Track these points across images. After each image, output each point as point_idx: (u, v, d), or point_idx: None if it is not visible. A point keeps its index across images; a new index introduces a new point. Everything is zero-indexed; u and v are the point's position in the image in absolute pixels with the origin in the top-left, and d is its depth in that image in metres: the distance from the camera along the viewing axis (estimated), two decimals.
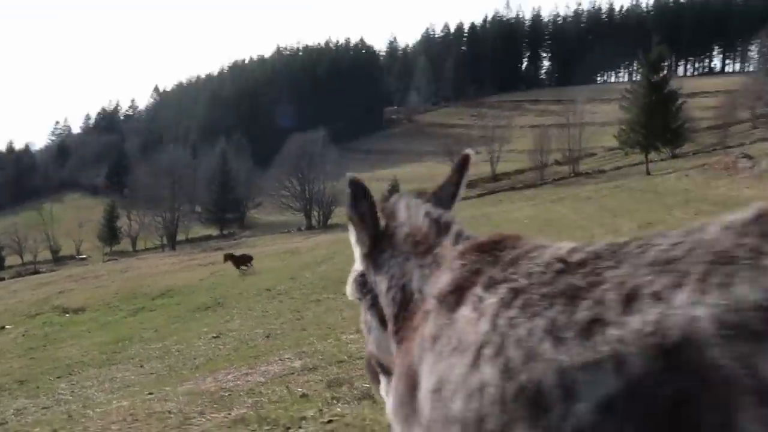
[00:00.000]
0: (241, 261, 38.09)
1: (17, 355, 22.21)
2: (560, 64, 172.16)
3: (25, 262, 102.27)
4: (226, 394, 8.92)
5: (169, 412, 8.13)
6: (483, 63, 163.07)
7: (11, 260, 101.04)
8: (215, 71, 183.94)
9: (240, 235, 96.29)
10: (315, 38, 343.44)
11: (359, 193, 2.20)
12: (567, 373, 1.19)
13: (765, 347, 1.00)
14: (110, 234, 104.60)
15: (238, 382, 10.05)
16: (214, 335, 18.99)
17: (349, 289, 2.42)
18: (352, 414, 6.51)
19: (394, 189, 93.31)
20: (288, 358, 11.67)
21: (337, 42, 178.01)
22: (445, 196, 2.43)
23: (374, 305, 2.22)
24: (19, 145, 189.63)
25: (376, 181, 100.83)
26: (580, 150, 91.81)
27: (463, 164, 2.51)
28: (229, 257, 38.74)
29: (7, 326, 32.59)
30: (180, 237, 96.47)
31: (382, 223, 2.25)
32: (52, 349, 22.22)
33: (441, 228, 2.13)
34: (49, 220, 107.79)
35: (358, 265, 2.37)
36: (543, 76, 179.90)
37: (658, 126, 66.65)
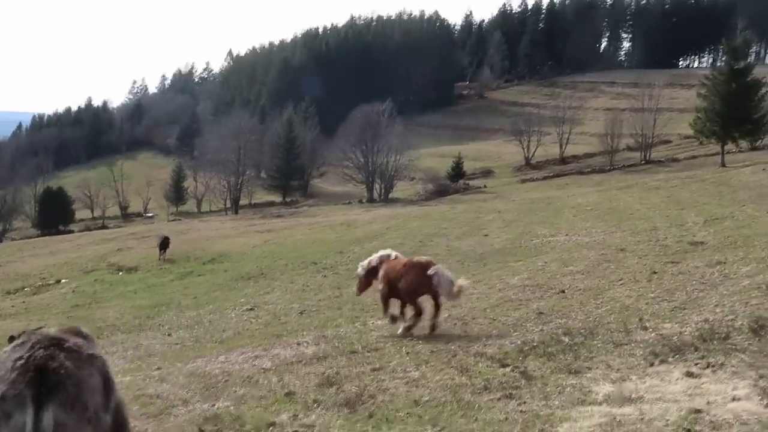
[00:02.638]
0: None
1: (61, 311, 22.55)
2: (641, 46, 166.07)
3: (95, 216, 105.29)
4: (224, 380, 8.58)
5: (157, 396, 7.84)
6: (560, 41, 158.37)
7: (82, 214, 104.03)
8: (288, 38, 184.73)
9: (302, 203, 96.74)
10: (389, 9, 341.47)
11: None
12: None
13: None
14: (177, 194, 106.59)
15: (245, 365, 9.69)
16: (249, 307, 18.78)
17: None
18: (320, 427, 6.04)
19: (457, 165, 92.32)
20: (305, 342, 11.26)
21: (411, 13, 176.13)
22: None
23: None
24: (97, 102, 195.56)
25: (441, 157, 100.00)
26: (653, 136, 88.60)
27: None
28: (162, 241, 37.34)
29: (63, 280, 33.36)
30: (244, 201, 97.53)
31: None
32: (94, 309, 22.46)
33: None
34: (120, 177, 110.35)
35: None
36: (622, 58, 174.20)
37: (737, 116, 63.33)
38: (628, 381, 6.14)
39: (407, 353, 9.39)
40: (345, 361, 9.10)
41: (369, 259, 12.44)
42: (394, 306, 11.68)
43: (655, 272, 14.52)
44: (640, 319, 9.31)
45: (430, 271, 10.78)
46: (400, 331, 11.10)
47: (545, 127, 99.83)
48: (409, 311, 11.24)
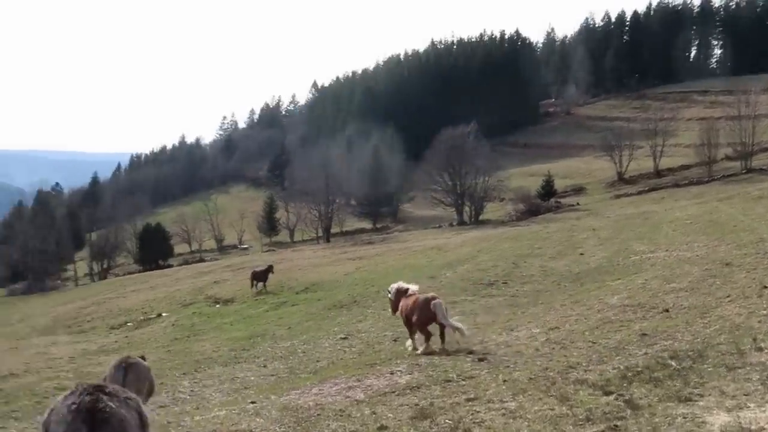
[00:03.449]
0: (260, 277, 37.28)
1: (161, 345, 23.15)
2: (733, 53, 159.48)
3: (193, 250, 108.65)
4: (316, 414, 8.48)
5: None
6: (646, 52, 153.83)
7: (180, 248, 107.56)
8: (371, 66, 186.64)
9: (392, 228, 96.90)
10: (469, 31, 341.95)
11: None
12: None
13: None
14: (269, 225, 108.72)
15: (338, 397, 9.60)
16: (343, 336, 18.82)
17: None
18: None
19: (548, 183, 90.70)
20: (399, 371, 11.11)
21: (492, 34, 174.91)
22: None
23: None
24: (190, 139, 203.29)
25: (530, 176, 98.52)
26: (753, 144, 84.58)
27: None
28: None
29: (163, 314, 34.41)
30: (335, 229, 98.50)
31: None
32: (192, 341, 22.93)
33: None
34: (215, 210, 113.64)
35: None
36: (714, 66, 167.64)
37: None
38: (745, 409, 5.69)
39: (504, 381, 9.09)
40: (439, 391, 8.87)
41: (392, 287, 16.03)
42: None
43: (765, 287, 13.69)
44: (754, 339, 8.71)
45: (431, 306, 13.77)
46: (419, 351, 13.96)
47: (636, 140, 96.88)
48: (422, 336, 14.11)
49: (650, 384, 7.43)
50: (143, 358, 9.49)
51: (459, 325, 13.73)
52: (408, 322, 14.67)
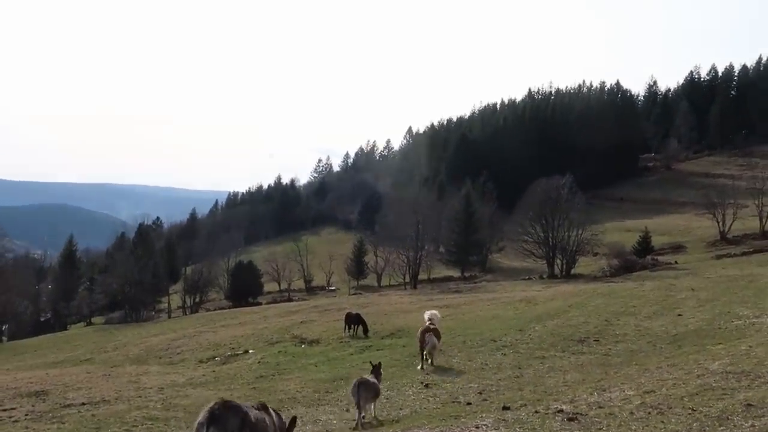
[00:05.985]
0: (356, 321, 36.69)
1: (246, 382, 23.31)
2: None
3: (281, 289, 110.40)
4: None
5: None
6: (755, 108, 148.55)
7: (269, 287, 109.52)
8: (466, 114, 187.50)
9: (481, 278, 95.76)
10: (568, 81, 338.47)
11: None
12: None
13: None
14: (358, 268, 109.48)
15: None
16: (426, 384, 18.45)
17: None
18: None
19: (644, 240, 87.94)
20: (484, 426, 10.72)
21: (591, 85, 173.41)
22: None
23: None
24: (285, 180, 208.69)
25: (626, 232, 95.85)
26: None
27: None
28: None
29: (250, 350, 34.80)
30: (422, 276, 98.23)
31: None
32: (276, 380, 23.02)
33: None
34: (305, 251, 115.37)
35: None
36: None
37: None
38: None
39: None
40: None
41: (426, 316, 23.52)
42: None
43: None
44: None
45: (422, 334, 21.61)
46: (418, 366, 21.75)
47: (741, 199, 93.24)
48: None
49: None
50: (379, 365, 16.49)
51: (433, 354, 21.55)
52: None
